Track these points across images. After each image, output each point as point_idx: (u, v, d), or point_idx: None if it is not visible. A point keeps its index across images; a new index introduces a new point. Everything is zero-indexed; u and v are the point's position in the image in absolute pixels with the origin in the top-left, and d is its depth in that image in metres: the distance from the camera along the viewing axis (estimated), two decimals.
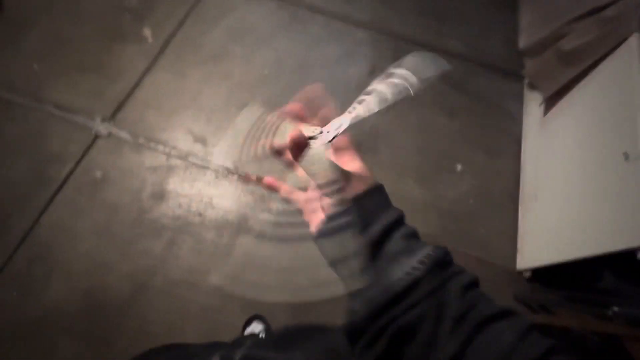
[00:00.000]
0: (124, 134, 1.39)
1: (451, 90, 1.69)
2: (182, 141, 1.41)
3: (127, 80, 1.50)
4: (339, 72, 1.64)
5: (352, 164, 0.35)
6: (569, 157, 1.24)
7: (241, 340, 0.55)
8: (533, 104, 1.61)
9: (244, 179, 1.37)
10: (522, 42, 1.82)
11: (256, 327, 1.16)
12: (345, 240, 0.32)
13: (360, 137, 1.48)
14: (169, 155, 1.38)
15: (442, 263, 0.31)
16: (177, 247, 1.25)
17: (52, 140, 1.35)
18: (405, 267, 0.30)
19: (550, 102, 1.43)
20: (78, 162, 1.33)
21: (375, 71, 1.73)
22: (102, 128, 1.39)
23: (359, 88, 0.34)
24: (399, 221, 0.34)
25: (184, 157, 1.38)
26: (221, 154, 1.39)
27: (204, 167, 1.37)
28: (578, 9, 1.40)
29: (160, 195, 1.30)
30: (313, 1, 1.84)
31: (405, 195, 1.46)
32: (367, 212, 0.33)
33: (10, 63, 1.50)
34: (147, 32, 1.63)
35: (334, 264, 0.33)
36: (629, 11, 1.14)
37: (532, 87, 1.64)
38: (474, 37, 1.87)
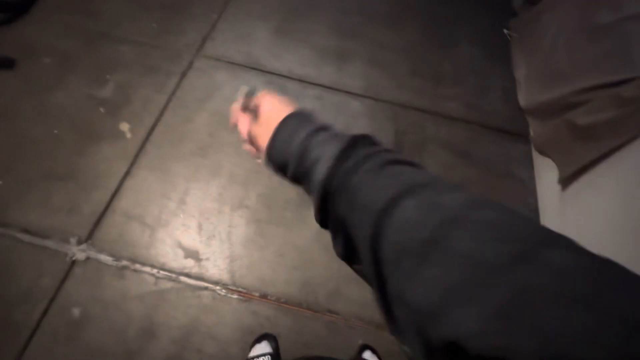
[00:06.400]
0: (104, 257, 1.23)
1: (457, 160, 1.59)
2: (172, 258, 1.25)
3: (105, 187, 1.34)
4: None
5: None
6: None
7: None
8: (545, 170, 1.52)
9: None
10: (522, 99, 1.75)
11: (265, 348, 1.06)
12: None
13: None
14: (157, 277, 1.21)
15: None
16: None
17: (19, 275, 1.18)
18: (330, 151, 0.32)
19: (569, 179, 1.33)
20: (52, 299, 1.15)
21: None
22: (79, 252, 1.22)
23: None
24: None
25: (174, 278, 1.22)
26: (216, 267, 1.24)
27: (199, 288, 1.21)
28: (586, 78, 1.33)
29: (150, 332, 1.13)
30: (302, 72, 1.73)
31: None
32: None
33: None
34: (124, 126, 1.48)
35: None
36: None
37: (541, 153, 1.55)
38: (472, 96, 1.79)
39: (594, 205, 1.24)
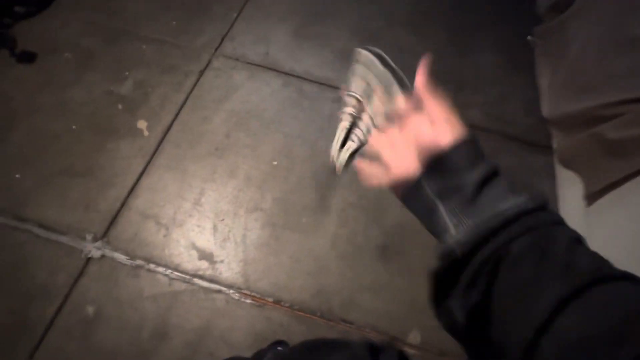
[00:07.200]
0: (119, 255, 1.22)
1: None
2: (186, 259, 1.24)
3: (122, 185, 1.34)
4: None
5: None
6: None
7: (262, 352, 0.55)
8: (567, 183, 1.47)
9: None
10: (546, 109, 1.70)
11: None
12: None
13: (384, 239, 1.32)
14: (171, 278, 1.20)
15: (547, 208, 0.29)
16: None
17: (35, 270, 1.18)
18: (514, 202, 0.29)
19: (595, 195, 1.29)
20: (67, 296, 1.15)
21: None
22: (94, 249, 1.22)
23: None
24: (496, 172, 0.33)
25: (188, 279, 1.21)
26: (230, 270, 1.22)
27: (213, 291, 1.20)
28: (617, 91, 1.28)
29: (163, 333, 1.12)
30: (321, 74, 1.71)
31: None
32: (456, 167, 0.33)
33: None
34: (142, 124, 1.47)
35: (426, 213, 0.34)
36: None
37: (566, 166, 1.51)
38: (493, 105, 1.75)
39: (621, 222, 1.19)
